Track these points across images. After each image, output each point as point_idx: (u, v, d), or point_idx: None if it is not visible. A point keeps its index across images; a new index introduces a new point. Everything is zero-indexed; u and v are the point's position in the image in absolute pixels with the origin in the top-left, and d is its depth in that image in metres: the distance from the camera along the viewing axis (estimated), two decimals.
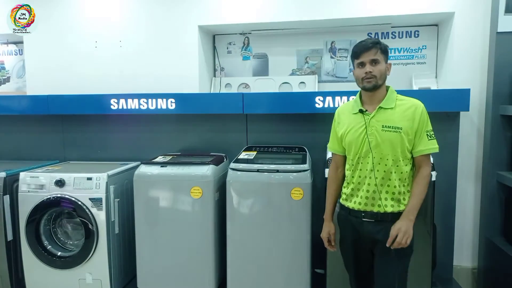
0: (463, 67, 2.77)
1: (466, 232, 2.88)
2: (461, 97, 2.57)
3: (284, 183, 2.32)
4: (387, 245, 1.72)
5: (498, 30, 2.54)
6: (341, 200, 1.94)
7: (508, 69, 2.55)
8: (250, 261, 2.42)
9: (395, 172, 1.76)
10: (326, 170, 2.29)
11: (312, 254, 2.43)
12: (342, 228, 1.94)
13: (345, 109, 1.94)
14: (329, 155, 2.45)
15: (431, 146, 1.78)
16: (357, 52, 1.77)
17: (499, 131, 2.58)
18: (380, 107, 1.79)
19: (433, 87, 3.04)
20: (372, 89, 1.77)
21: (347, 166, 1.91)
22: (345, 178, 1.92)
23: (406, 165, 1.78)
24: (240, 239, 2.41)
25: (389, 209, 1.76)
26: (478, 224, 2.83)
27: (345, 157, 1.94)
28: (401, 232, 1.70)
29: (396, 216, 1.77)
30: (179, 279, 2.54)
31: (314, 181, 2.43)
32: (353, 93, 2.62)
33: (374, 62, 1.75)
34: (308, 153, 2.68)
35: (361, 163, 1.81)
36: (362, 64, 1.77)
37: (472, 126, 2.80)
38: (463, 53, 2.76)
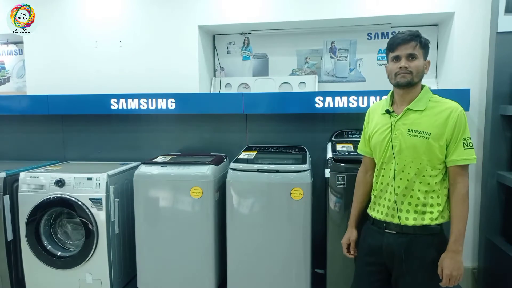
0: (463, 67, 2.77)
1: (466, 232, 2.87)
2: (461, 97, 2.56)
3: (284, 183, 2.32)
4: (442, 286, 1.56)
5: (498, 30, 2.53)
6: (367, 209, 1.80)
7: (508, 69, 2.54)
8: (250, 261, 2.42)
9: (420, 183, 1.58)
10: (326, 170, 2.30)
11: (312, 254, 2.43)
12: (362, 238, 1.81)
13: (376, 108, 1.79)
14: (329, 155, 2.45)
15: (467, 156, 1.56)
16: (393, 44, 1.60)
17: (499, 131, 2.58)
18: (408, 109, 1.62)
19: (433, 87, 3.04)
20: (406, 86, 1.59)
21: (375, 171, 1.77)
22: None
23: (436, 175, 1.59)
24: (240, 239, 2.41)
25: (410, 222, 1.59)
26: (478, 224, 2.83)
27: (374, 160, 1.78)
28: (453, 278, 1.52)
29: (419, 229, 1.59)
30: (179, 279, 2.54)
31: (314, 181, 2.43)
32: (353, 93, 2.65)
33: (411, 57, 1.57)
34: (308, 153, 2.68)
35: (384, 169, 1.67)
36: (397, 58, 1.59)
37: (472, 126, 2.80)
38: (463, 53, 2.76)
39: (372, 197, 1.75)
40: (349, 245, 1.88)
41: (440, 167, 1.60)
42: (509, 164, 2.58)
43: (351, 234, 1.87)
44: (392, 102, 1.71)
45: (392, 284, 1.68)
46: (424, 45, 1.60)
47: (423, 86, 1.67)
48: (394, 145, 1.62)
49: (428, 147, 1.57)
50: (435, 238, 1.62)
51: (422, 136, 1.57)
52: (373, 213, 1.73)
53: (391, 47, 1.62)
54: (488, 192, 2.65)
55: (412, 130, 1.59)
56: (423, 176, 1.59)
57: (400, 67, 1.57)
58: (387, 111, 1.68)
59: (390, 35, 3.20)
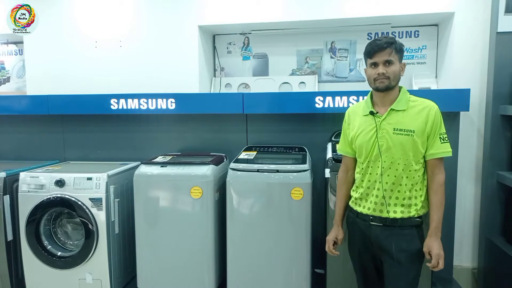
0: (463, 67, 2.77)
1: (466, 232, 2.88)
2: (461, 97, 2.57)
3: (284, 183, 2.32)
4: (431, 268, 1.68)
5: (498, 30, 2.54)
6: (350, 203, 1.89)
7: (508, 69, 2.54)
8: (250, 261, 2.42)
9: (406, 177, 1.69)
10: (326, 170, 2.30)
11: (312, 254, 2.43)
12: (350, 230, 1.88)
13: (356, 110, 1.87)
14: (329, 155, 2.45)
15: (444, 149, 1.69)
16: (371, 51, 1.69)
17: (499, 131, 2.58)
18: (392, 109, 1.71)
19: (433, 87, 3.04)
20: (385, 90, 1.70)
21: (357, 170, 1.85)
22: (355, 182, 1.87)
23: (419, 169, 1.70)
24: (240, 239, 2.41)
25: (398, 215, 1.70)
26: (478, 224, 2.83)
27: (355, 159, 1.86)
28: (441, 258, 1.66)
29: (406, 221, 1.70)
30: (179, 279, 2.54)
31: (314, 181, 2.43)
32: (353, 93, 2.65)
33: (388, 62, 1.67)
34: (308, 153, 2.68)
35: (371, 167, 1.74)
36: (375, 64, 1.69)
37: (472, 126, 2.80)
38: (463, 53, 2.76)
39: (357, 194, 1.82)
40: (334, 242, 1.93)
41: (421, 161, 1.72)
42: (509, 164, 2.58)
43: (337, 233, 1.94)
44: (373, 104, 1.79)
45: (384, 271, 1.77)
46: (399, 50, 1.70)
47: (400, 87, 1.77)
48: (380, 144, 1.70)
49: (413, 144, 1.68)
50: (419, 230, 1.74)
51: (407, 134, 1.68)
52: (359, 208, 1.80)
53: (368, 54, 1.71)
54: (488, 192, 2.65)
55: (397, 129, 1.69)
56: (409, 171, 1.70)
57: (378, 73, 1.68)
58: (371, 113, 1.75)
59: (390, 35, 3.20)
